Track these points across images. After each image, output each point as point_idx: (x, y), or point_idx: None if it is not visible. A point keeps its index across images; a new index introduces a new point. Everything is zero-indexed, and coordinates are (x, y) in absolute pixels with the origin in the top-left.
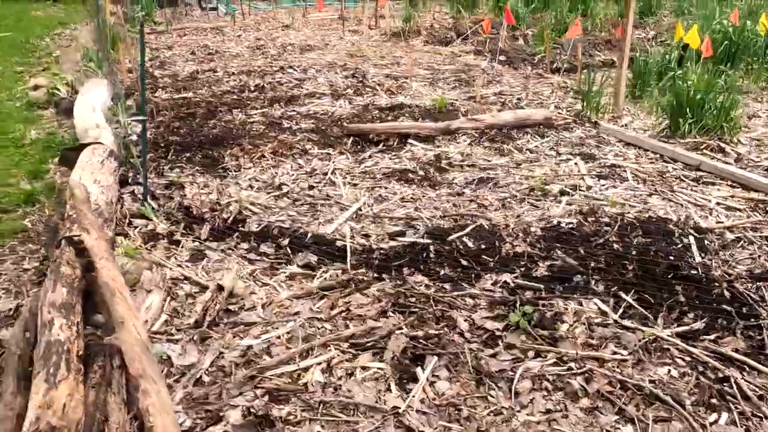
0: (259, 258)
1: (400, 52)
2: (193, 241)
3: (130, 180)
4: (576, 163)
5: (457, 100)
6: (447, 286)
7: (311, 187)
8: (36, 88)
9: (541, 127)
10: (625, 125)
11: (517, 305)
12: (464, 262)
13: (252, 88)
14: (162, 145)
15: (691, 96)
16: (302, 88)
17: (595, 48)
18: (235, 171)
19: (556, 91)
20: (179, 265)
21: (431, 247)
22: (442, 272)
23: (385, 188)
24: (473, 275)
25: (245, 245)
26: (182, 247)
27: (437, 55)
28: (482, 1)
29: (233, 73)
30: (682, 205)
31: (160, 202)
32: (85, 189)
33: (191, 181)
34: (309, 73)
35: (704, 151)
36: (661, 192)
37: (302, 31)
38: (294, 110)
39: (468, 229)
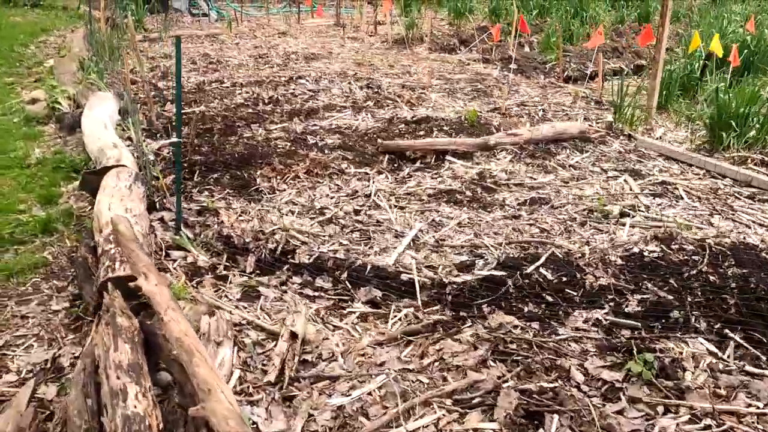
0: (317, 294)
1: (407, 61)
2: (240, 275)
3: (157, 205)
4: (625, 181)
5: (480, 111)
6: (534, 324)
7: (357, 212)
8: (34, 101)
9: (577, 140)
10: (660, 138)
11: (634, 352)
12: (548, 297)
13: (266, 101)
14: (185, 165)
15: (734, 109)
16: (317, 99)
17: (603, 56)
18: (269, 193)
19: (577, 101)
20: (236, 307)
21: (509, 281)
22: (526, 309)
23: (437, 211)
24: (561, 312)
25: (298, 279)
26: (230, 282)
27: (445, 63)
28: (478, 8)
29: (242, 85)
30: (749, 226)
31: (195, 230)
32: (130, 224)
33: (226, 207)
34: (321, 84)
35: (750, 165)
36: (722, 211)
37: (300, 38)
38: (316, 124)
39: (542, 259)
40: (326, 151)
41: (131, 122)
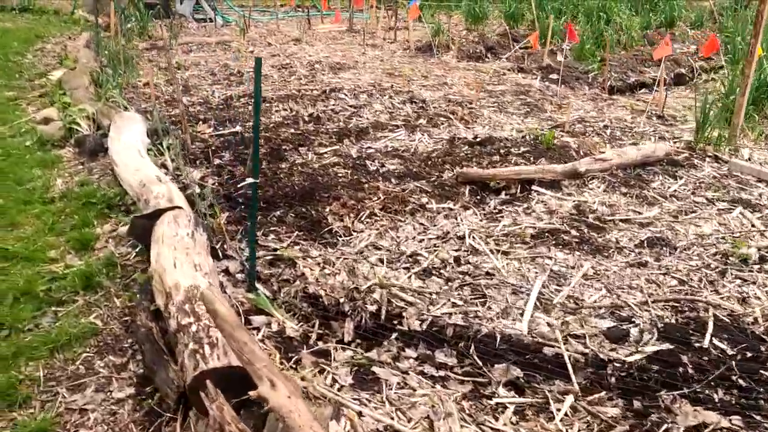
0: (442, 374)
1: (438, 70)
2: (342, 348)
3: (219, 254)
4: (742, 215)
5: (539, 127)
6: (736, 420)
7: (457, 260)
8: (46, 121)
9: (665, 164)
10: (749, 159)
11: None
12: (739, 381)
13: (306, 119)
14: (240, 200)
15: None
16: (361, 117)
17: (642, 64)
18: (345, 235)
19: (635, 115)
20: (359, 401)
21: (683, 358)
22: (717, 398)
23: (548, 258)
24: (760, 401)
25: (412, 353)
26: (334, 360)
27: (479, 72)
28: (491, 12)
29: (273, 99)
30: None
31: (271, 286)
32: (227, 304)
33: (302, 254)
34: (361, 99)
35: None
36: None
37: (316, 45)
38: (370, 147)
39: (710, 327)
40: (393, 180)
41: (165, 146)
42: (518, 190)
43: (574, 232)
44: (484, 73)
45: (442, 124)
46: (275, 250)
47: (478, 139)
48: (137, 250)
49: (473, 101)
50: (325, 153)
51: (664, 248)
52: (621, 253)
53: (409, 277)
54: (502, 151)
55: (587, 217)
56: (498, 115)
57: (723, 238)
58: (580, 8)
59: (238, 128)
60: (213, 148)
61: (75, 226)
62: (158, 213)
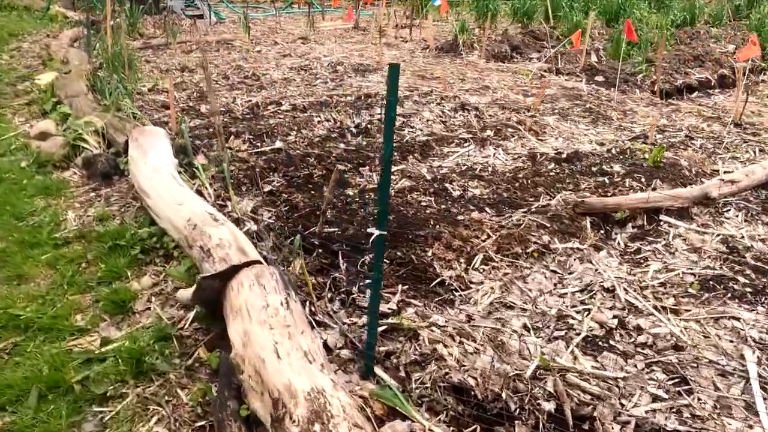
0: None
1: (471, 72)
2: None
3: (313, 324)
4: None
5: (618, 140)
6: None
7: (622, 324)
8: (44, 136)
9: None
10: None
11: None
12: None
13: (353, 131)
14: (316, 242)
15: None
16: (413, 128)
17: (685, 65)
18: (461, 289)
19: (708, 123)
20: None
21: None
22: None
23: (734, 318)
24: None
25: None
26: None
27: (516, 75)
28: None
29: (305, 108)
30: None
31: (396, 371)
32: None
33: (425, 323)
34: (406, 106)
35: None
36: None
37: (326, 44)
38: (441, 165)
39: None
40: (488, 210)
41: (200, 168)
42: (645, 221)
43: (742, 279)
44: (522, 75)
45: (512, 136)
46: (386, 315)
47: (563, 156)
48: (194, 313)
49: (531, 108)
50: (393, 174)
51: None
52: None
53: (572, 353)
54: (594, 168)
55: (744, 257)
56: (564, 123)
57: None
58: (591, 5)
59: (278, 144)
60: (258, 169)
61: (103, 280)
62: (232, 271)
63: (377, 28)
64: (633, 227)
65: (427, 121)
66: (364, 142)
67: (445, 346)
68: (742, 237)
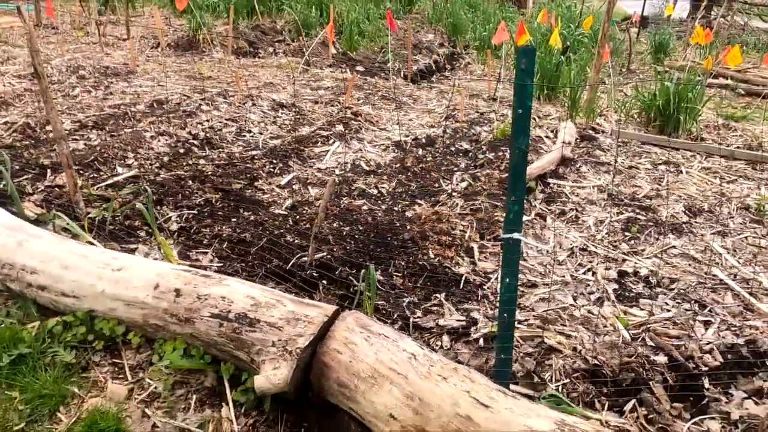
0: None
1: (234, 69)
2: None
3: None
4: None
5: (439, 121)
6: None
7: (622, 274)
8: None
9: None
10: None
11: None
12: None
13: (197, 143)
14: (314, 273)
15: None
16: (252, 132)
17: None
18: (484, 283)
19: (474, 99)
20: None
21: None
22: None
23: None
24: None
25: None
26: None
27: (282, 69)
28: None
29: (100, 123)
30: None
31: (532, 380)
32: None
33: None
34: (222, 109)
35: None
36: None
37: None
38: (326, 167)
39: None
40: (421, 202)
41: (63, 218)
42: (542, 186)
43: (643, 216)
44: (288, 70)
45: (360, 128)
46: (469, 326)
47: (422, 141)
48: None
49: (342, 102)
50: (292, 182)
51: None
52: None
53: (622, 309)
54: (452, 148)
55: (623, 200)
56: (381, 112)
57: None
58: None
59: (128, 172)
60: (138, 205)
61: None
62: (328, 324)
63: (79, 26)
64: (540, 192)
65: (259, 123)
66: (224, 154)
67: (560, 343)
68: (608, 185)
